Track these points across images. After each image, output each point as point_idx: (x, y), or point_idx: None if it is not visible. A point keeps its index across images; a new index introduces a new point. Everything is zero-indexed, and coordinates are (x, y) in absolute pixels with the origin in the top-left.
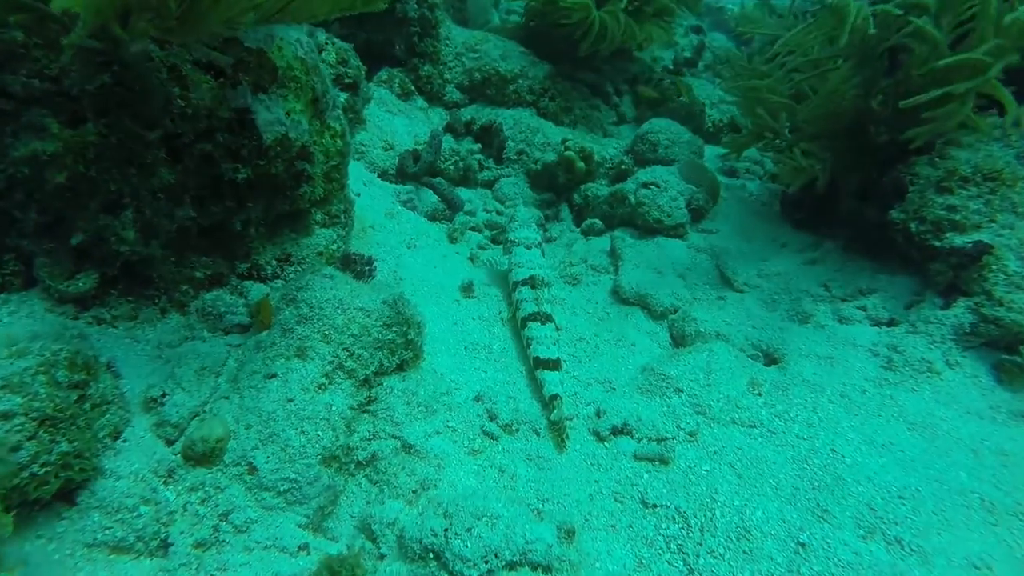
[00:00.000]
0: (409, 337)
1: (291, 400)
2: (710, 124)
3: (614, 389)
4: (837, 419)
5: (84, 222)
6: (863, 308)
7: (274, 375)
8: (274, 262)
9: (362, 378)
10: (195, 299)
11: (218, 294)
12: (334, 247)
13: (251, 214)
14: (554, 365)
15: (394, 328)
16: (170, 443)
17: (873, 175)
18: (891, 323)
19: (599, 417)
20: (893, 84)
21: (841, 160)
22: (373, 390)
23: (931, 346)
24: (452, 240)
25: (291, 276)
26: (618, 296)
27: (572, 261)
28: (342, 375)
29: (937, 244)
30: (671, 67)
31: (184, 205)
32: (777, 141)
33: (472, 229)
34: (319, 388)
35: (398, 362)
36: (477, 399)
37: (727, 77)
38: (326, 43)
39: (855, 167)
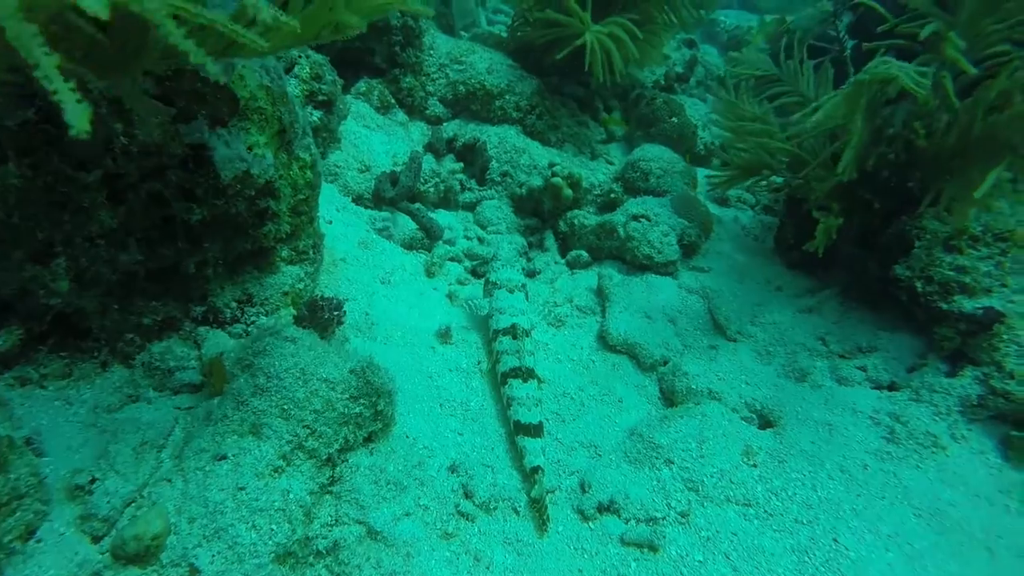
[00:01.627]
0: (379, 408)
1: (243, 488)
2: (702, 146)
3: (600, 456)
4: (838, 500)
5: (6, 273)
6: (863, 368)
7: (224, 456)
8: (234, 304)
9: (324, 457)
10: (142, 350)
11: (168, 345)
12: (301, 286)
13: (207, 255)
14: (536, 431)
15: (362, 400)
16: (97, 540)
17: (875, 223)
18: (892, 387)
19: (584, 491)
20: (896, 136)
21: (843, 206)
22: (337, 468)
23: (936, 418)
24: (430, 274)
25: (252, 319)
26: (605, 342)
27: (557, 301)
28: (302, 456)
29: (945, 307)
30: (662, 82)
31: (129, 249)
32: (774, 177)
33: (451, 259)
34: (275, 472)
35: (366, 435)
36: (452, 470)
37: (718, 114)
38: (299, 56)
39: (856, 213)
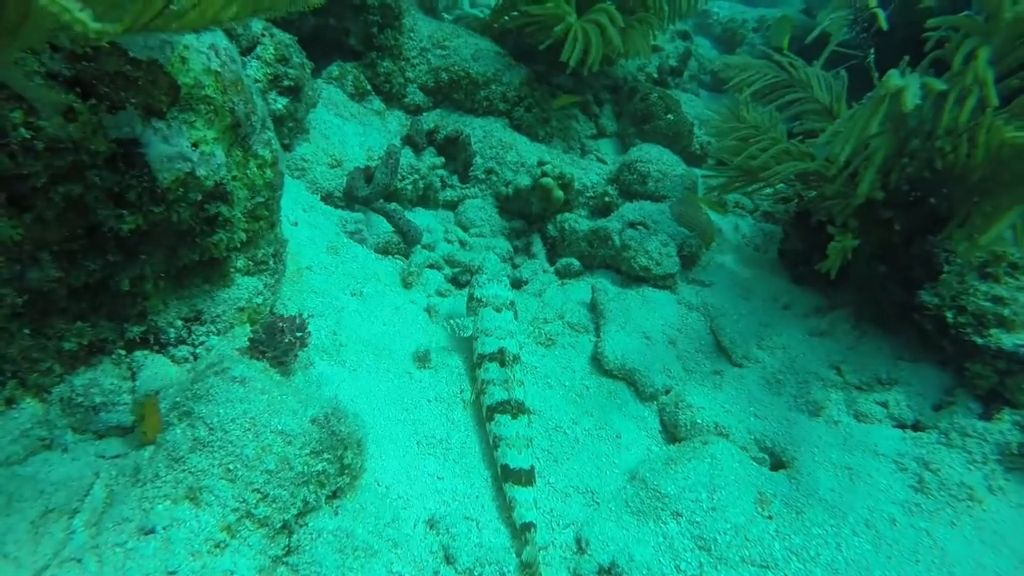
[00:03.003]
0: (346, 462)
1: (173, 572)
2: (697, 146)
3: (598, 504)
4: (867, 564)
5: None
6: (884, 404)
7: (152, 530)
8: (179, 323)
9: (279, 525)
10: (62, 381)
11: (94, 376)
12: (259, 300)
13: (145, 268)
14: (527, 478)
15: (325, 455)
16: None
17: (894, 241)
18: (916, 427)
19: (581, 550)
20: (919, 150)
21: (860, 222)
22: (295, 536)
23: (970, 466)
24: (406, 284)
25: (202, 339)
26: (599, 366)
27: (546, 317)
28: (250, 526)
29: (979, 341)
30: (655, 75)
31: (41, 264)
32: (781, 187)
33: (431, 267)
34: (216, 548)
35: (329, 493)
36: (430, 525)
37: (713, 138)
38: (262, 34)
39: (874, 230)
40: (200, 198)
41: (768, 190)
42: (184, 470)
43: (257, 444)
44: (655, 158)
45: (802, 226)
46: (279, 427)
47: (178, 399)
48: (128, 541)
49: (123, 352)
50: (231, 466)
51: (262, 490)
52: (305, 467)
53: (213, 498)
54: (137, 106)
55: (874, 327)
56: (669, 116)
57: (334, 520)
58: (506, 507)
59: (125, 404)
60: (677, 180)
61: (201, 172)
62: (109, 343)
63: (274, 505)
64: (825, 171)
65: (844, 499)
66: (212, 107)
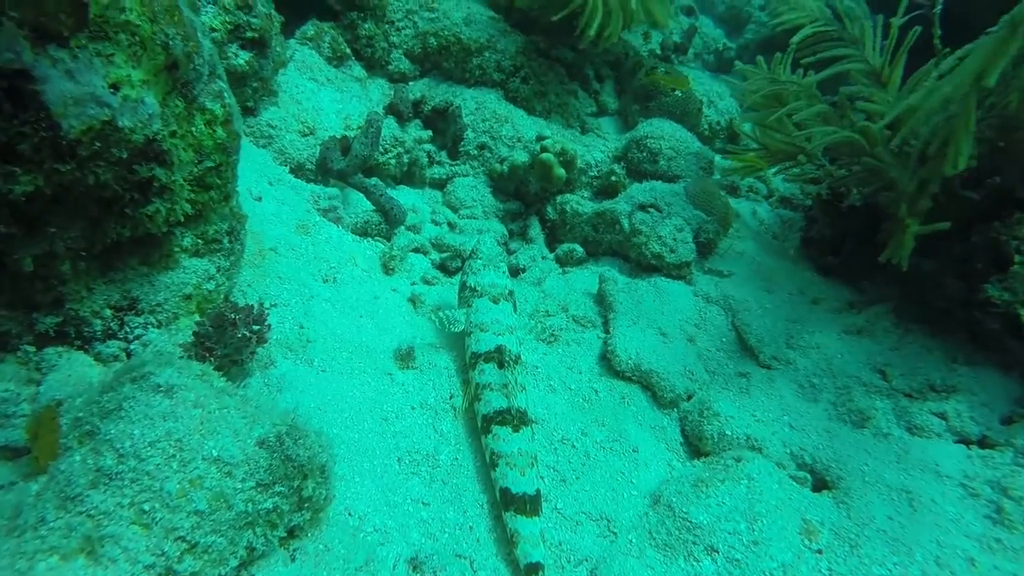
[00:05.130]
0: (305, 494)
1: None
2: (706, 126)
3: (615, 535)
4: None
5: None
6: (941, 415)
7: None
8: (108, 312)
9: None
10: None
11: None
12: (210, 286)
13: (55, 245)
14: (532, 505)
15: (277, 487)
16: None
17: (953, 226)
18: (983, 443)
19: None
20: (984, 117)
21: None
22: None
23: None
24: (388, 270)
25: (137, 332)
26: (609, 366)
27: (548, 309)
28: None
29: None
30: (658, 52)
31: None
32: (809, 165)
33: (416, 251)
34: None
35: (284, 534)
36: (413, 566)
37: (746, 91)
38: None
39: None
40: (126, 156)
41: (795, 170)
42: (81, 512)
43: (184, 476)
44: (667, 134)
45: (832, 211)
46: (215, 453)
47: (82, 414)
48: None
49: (32, 349)
50: (147, 506)
51: (188, 538)
52: (249, 505)
53: (119, 551)
54: (22, 24)
55: (918, 325)
56: (677, 92)
57: (289, 569)
58: (506, 541)
59: (23, 416)
60: (692, 158)
61: (124, 123)
62: (13, 337)
63: (206, 556)
64: (869, 134)
65: (907, 531)
66: (137, 39)
